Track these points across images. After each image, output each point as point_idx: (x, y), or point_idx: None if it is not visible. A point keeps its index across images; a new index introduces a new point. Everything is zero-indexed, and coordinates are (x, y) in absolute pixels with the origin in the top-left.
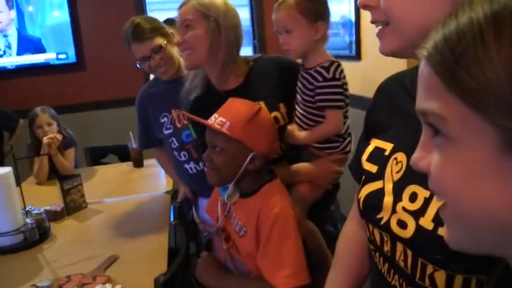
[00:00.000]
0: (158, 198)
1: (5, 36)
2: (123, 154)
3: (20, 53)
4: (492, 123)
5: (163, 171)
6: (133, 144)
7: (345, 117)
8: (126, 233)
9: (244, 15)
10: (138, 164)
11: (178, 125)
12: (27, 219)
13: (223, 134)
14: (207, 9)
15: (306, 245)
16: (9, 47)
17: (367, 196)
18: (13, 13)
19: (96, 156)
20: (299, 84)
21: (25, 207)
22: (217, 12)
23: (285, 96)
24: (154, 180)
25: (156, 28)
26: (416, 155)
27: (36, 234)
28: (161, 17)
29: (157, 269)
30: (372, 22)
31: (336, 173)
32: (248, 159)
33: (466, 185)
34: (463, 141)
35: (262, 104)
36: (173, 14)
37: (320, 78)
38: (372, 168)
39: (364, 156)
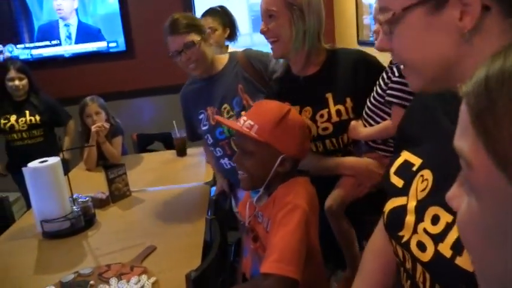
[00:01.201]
0: (198, 188)
1: (67, 25)
2: (168, 142)
3: (78, 41)
4: None
5: (204, 161)
6: (177, 133)
7: None
8: (165, 223)
9: None
10: (181, 153)
11: (213, 123)
12: (74, 207)
13: (252, 138)
14: None
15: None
16: (69, 37)
17: (391, 211)
18: (76, 3)
19: (143, 143)
20: (380, 78)
21: (72, 195)
22: (301, 0)
23: (354, 91)
24: (196, 170)
25: (193, 25)
26: (452, 191)
27: (82, 221)
28: (208, 6)
29: (192, 263)
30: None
31: (380, 176)
32: (278, 162)
33: (486, 245)
34: (485, 196)
35: (329, 95)
36: (220, 3)
37: (397, 73)
38: (399, 182)
39: (392, 169)
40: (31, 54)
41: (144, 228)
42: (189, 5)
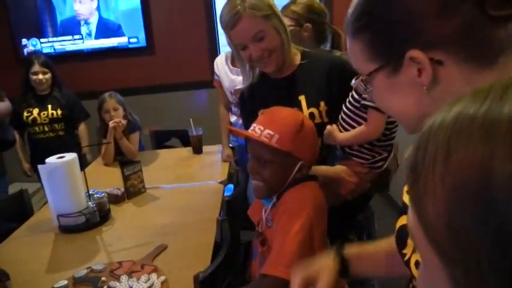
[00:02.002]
0: (212, 187)
1: (87, 23)
2: (185, 138)
3: (98, 37)
4: (442, 262)
5: (220, 160)
6: (193, 131)
7: (391, 132)
8: (177, 222)
9: None
10: (198, 150)
11: None
12: (90, 203)
13: (273, 148)
14: (263, 9)
15: None
16: (89, 34)
17: (399, 229)
18: (95, 3)
19: (160, 139)
20: None
21: (88, 191)
22: (268, 3)
23: (328, 95)
24: (211, 168)
25: None
26: None
27: (97, 217)
28: None
29: (202, 263)
30: None
31: (353, 184)
32: (296, 169)
33: None
34: (425, 263)
35: (302, 97)
36: None
37: None
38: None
39: (405, 188)
40: (54, 49)
41: (157, 226)
42: (209, 2)
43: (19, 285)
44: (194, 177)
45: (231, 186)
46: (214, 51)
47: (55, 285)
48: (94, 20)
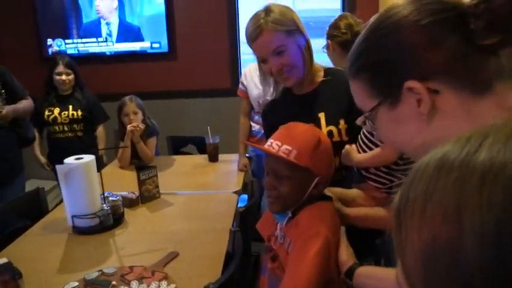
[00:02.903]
0: (226, 197)
1: (108, 24)
2: (202, 145)
3: (119, 40)
4: None
5: (235, 169)
6: (210, 139)
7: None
8: (189, 230)
9: None
10: (213, 158)
11: None
12: (104, 205)
13: (291, 163)
14: (286, 24)
15: None
16: (110, 34)
17: None
18: (115, 2)
19: (177, 145)
20: None
21: (103, 193)
22: (292, 19)
23: (349, 114)
24: (226, 177)
25: None
26: None
27: (111, 220)
28: (252, 9)
29: (212, 273)
30: None
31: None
32: (313, 185)
33: None
34: None
35: (322, 114)
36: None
37: None
38: None
39: None
40: (78, 50)
41: (169, 233)
42: (233, 11)
43: (31, 284)
44: (209, 185)
45: (245, 196)
46: (236, 60)
47: (66, 287)
48: (115, 21)
